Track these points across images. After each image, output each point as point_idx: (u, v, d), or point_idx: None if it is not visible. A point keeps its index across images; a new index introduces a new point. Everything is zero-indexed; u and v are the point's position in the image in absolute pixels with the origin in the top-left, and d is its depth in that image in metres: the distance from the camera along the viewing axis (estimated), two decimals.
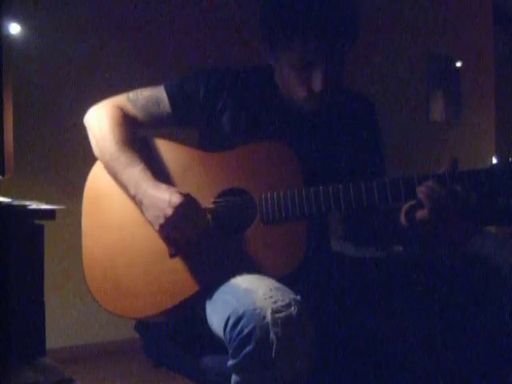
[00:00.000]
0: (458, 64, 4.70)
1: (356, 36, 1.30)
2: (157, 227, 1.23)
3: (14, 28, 2.50)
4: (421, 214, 1.21)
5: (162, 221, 1.21)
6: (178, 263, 1.26)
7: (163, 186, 1.25)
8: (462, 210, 1.19)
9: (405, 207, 1.25)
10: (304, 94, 1.31)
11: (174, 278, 1.25)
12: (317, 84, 1.28)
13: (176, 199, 1.20)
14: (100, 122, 1.36)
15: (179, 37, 3.17)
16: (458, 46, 4.71)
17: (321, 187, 1.24)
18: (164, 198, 1.21)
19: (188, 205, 1.21)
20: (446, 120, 4.65)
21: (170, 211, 1.20)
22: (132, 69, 2.96)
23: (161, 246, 1.27)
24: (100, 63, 2.92)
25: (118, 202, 1.33)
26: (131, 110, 1.40)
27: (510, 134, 5.25)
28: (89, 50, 2.89)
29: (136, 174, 1.27)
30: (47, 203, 1.48)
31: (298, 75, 1.30)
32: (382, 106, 4.36)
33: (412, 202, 1.22)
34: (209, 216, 1.28)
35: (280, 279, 1.20)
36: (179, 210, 1.20)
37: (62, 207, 1.46)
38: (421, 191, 1.18)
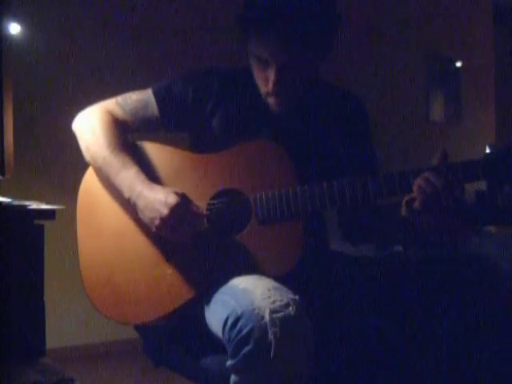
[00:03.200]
0: (458, 64, 4.70)
1: (321, 45, 1.28)
2: (153, 228, 1.22)
3: (14, 28, 2.50)
4: (415, 204, 1.21)
5: (158, 222, 1.21)
6: (175, 267, 1.26)
7: (158, 187, 1.25)
8: (456, 202, 1.19)
9: (405, 198, 1.24)
10: (264, 91, 1.32)
11: (172, 281, 1.25)
12: (269, 83, 1.28)
13: (171, 200, 1.20)
14: (91, 126, 1.35)
15: (179, 38, 3.17)
16: (458, 46, 4.71)
17: (315, 185, 1.23)
18: (159, 198, 1.21)
19: (184, 204, 1.21)
20: (445, 120, 4.65)
21: (165, 211, 1.19)
22: (132, 68, 2.96)
23: (157, 250, 1.27)
24: (100, 63, 2.92)
25: (112, 208, 1.32)
26: (120, 114, 1.39)
27: (510, 134, 5.25)
28: (89, 50, 2.89)
29: (130, 176, 1.26)
30: (47, 203, 1.48)
31: (258, 71, 1.31)
32: (382, 106, 4.35)
33: (413, 195, 1.22)
34: (204, 215, 1.27)
35: (278, 279, 1.20)
36: (175, 210, 1.19)
37: (62, 207, 1.46)
38: (416, 183, 1.19)
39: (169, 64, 3.06)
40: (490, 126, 5.06)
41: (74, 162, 2.69)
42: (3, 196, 1.54)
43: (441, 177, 1.18)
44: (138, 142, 1.38)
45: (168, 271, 1.26)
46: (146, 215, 1.23)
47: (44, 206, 1.44)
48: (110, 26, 2.97)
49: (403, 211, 1.25)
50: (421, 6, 4.37)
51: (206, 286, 1.24)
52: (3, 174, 1.52)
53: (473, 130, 4.83)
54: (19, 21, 2.57)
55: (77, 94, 2.77)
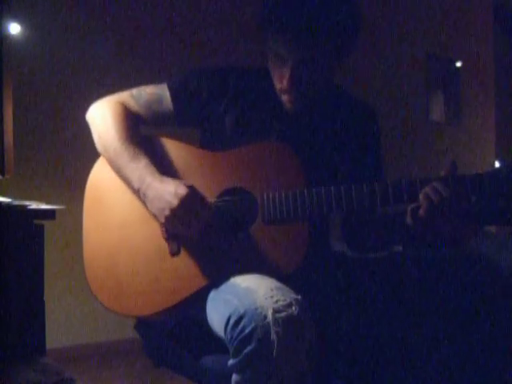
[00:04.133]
0: (458, 64, 4.70)
1: (338, 44, 1.28)
2: (162, 219, 1.23)
3: (14, 28, 2.50)
4: (421, 212, 1.21)
5: (167, 212, 1.21)
6: (179, 262, 1.26)
7: (168, 179, 1.25)
8: (462, 212, 1.19)
9: (411, 206, 1.25)
10: (279, 88, 1.33)
11: (175, 276, 1.25)
12: (284, 80, 1.29)
13: (182, 190, 1.20)
14: (104, 117, 1.36)
15: (179, 36, 3.17)
16: (458, 46, 4.72)
17: (322, 188, 1.24)
18: (169, 189, 1.21)
19: (193, 196, 1.21)
20: (445, 120, 4.65)
21: (175, 202, 1.20)
22: (132, 68, 2.96)
23: (162, 245, 1.28)
24: (100, 63, 2.92)
25: (120, 200, 1.33)
26: (134, 106, 1.40)
27: (510, 134, 5.25)
28: (89, 50, 2.89)
29: (140, 168, 1.27)
30: (47, 203, 1.48)
31: (275, 68, 1.32)
32: (382, 106, 4.35)
33: (419, 203, 1.22)
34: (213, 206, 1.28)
35: (281, 279, 1.20)
36: (185, 201, 1.20)
37: (62, 207, 1.46)
38: (423, 192, 1.19)
39: (171, 63, 3.06)
40: (490, 125, 5.06)
41: (74, 162, 2.71)
42: (3, 196, 1.54)
43: (449, 187, 1.18)
44: (150, 136, 1.39)
45: (172, 265, 1.26)
46: (155, 206, 1.24)
47: (44, 206, 1.44)
48: (110, 25, 2.97)
49: (408, 219, 1.25)
50: (421, 6, 4.37)
51: (208, 282, 1.24)
52: (3, 174, 1.52)
53: (473, 129, 4.83)
54: (19, 21, 2.57)
55: (77, 94, 2.77)
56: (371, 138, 1.46)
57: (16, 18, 2.51)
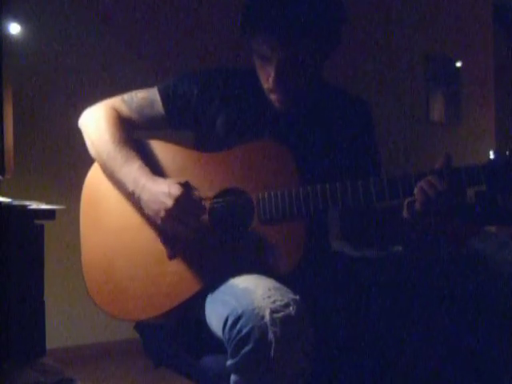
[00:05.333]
0: (458, 64, 4.70)
1: (322, 41, 1.27)
2: (158, 220, 1.23)
3: (14, 28, 2.51)
4: (417, 206, 1.22)
5: (162, 214, 1.21)
6: (176, 265, 1.26)
7: (161, 179, 1.25)
8: (458, 205, 1.20)
9: (407, 200, 1.25)
10: (266, 87, 1.33)
11: (173, 279, 1.25)
12: (269, 79, 1.29)
13: (175, 190, 1.20)
14: (97, 122, 1.36)
15: (179, 38, 3.17)
16: (458, 46, 4.71)
17: (318, 186, 1.24)
18: (163, 190, 1.21)
19: (187, 195, 1.21)
20: (445, 120, 4.65)
21: (170, 203, 1.20)
22: (131, 69, 2.96)
23: (159, 248, 1.27)
24: (100, 63, 2.92)
25: (116, 204, 1.33)
26: (126, 111, 1.40)
27: (510, 134, 5.25)
28: (88, 51, 2.90)
29: (134, 170, 1.27)
30: (47, 203, 1.48)
31: (261, 68, 1.32)
32: (382, 106, 4.35)
33: (415, 197, 1.22)
34: (207, 215, 1.28)
35: (279, 279, 1.20)
36: (179, 200, 1.20)
37: (62, 207, 1.47)
38: (418, 186, 1.19)
39: (170, 64, 3.06)
40: (490, 125, 5.06)
41: (73, 162, 2.71)
42: (3, 196, 1.54)
43: (443, 180, 1.18)
44: (143, 139, 1.39)
45: (170, 268, 1.26)
46: (150, 208, 1.24)
47: (44, 206, 1.44)
48: (110, 26, 2.97)
49: (404, 213, 1.26)
50: (421, 5, 4.37)
51: (206, 284, 1.24)
52: (3, 174, 1.52)
53: (473, 129, 4.83)
54: (19, 21, 2.57)
55: (77, 94, 2.77)
56: (365, 131, 1.45)
57: (16, 18, 2.51)
